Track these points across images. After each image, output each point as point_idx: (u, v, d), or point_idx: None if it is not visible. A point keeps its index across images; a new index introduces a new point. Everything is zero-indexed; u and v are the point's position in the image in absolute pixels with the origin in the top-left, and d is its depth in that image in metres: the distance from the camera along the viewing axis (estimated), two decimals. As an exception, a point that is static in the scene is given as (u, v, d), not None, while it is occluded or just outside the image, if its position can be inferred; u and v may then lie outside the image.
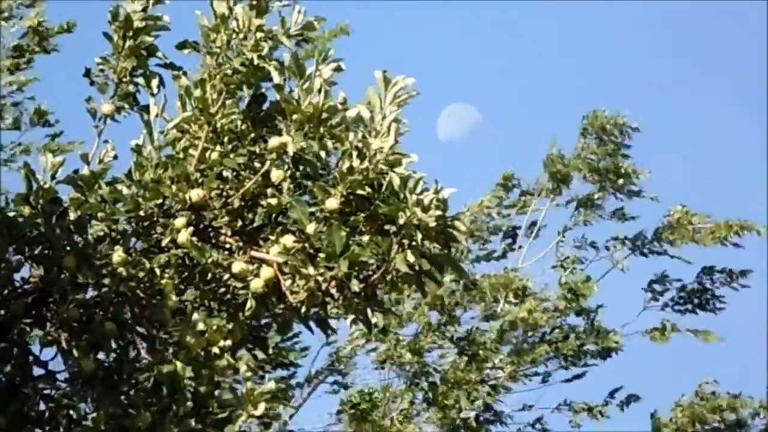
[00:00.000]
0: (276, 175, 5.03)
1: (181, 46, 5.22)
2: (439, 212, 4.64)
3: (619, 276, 15.53)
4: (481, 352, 14.53)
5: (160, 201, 5.06)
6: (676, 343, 15.08)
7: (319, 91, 4.82)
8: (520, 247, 15.82)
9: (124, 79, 5.31)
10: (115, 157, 5.29)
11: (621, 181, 15.20)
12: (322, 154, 5.01)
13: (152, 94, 5.23)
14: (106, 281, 4.97)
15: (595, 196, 15.48)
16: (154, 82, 5.29)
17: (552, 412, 15.26)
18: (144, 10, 5.31)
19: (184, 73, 5.28)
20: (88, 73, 5.40)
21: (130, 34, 5.29)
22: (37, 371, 4.99)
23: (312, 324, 5.01)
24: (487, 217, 15.76)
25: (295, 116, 4.89)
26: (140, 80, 5.32)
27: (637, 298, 15.47)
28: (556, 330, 14.83)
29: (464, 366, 14.38)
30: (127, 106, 5.34)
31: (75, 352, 4.91)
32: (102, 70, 5.34)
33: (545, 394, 15.19)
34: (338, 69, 4.95)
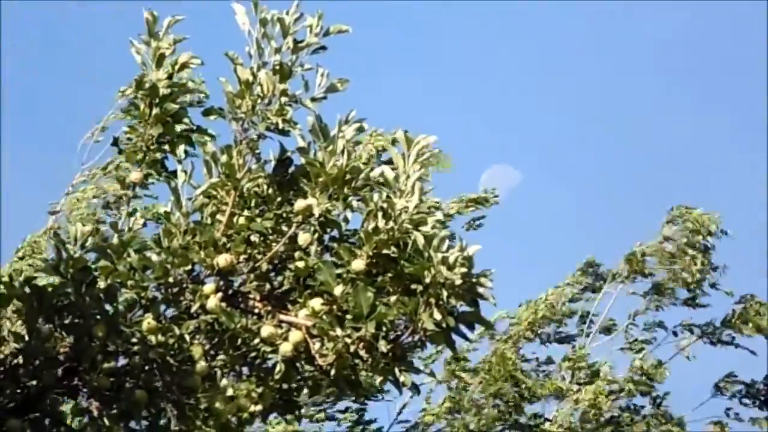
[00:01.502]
0: (303, 238, 5.03)
1: (207, 112, 5.26)
2: (464, 270, 4.61)
3: (686, 360, 15.40)
4: None
5: (189, 267, 5.07)
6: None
7: (342, 152, 4.82)
8: (589, 332, 15.67)
9: (152, 147, 5.35)
10: (144, 225, 5.32)
11: (697, 275, 15.09)
12: (348, 214, 5.00)
13: (179, 161, 5.26)
14: (136, 349, 4.98)
15: (669, 284, 15.35)
16: (181, 149, 5.32)
17: None
18: (169, 77, 5.36)
19: (212, 137, 5.31)
20: (116, 142, 5.45)
21: (156, 101, 5.33)
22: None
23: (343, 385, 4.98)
24: (564, 298, 15.66)
25: (320, 178, 4.89)
26: (167, 146, 5.36)
27: (704, 385, 15.32)
28: (624, 414, 14.67)
29: None
30: (155, 173, 5.38)
31: (106, 421, 4.90)
32: (130, 139, 5.39)
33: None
34: (360, 129, 4.95)
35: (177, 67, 5.31)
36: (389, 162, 5.13)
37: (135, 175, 5.36)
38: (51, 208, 11.64)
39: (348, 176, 4.82)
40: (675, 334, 15.39)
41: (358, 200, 4.91)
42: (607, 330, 15.58)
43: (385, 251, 4.77)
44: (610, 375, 14.69)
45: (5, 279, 5.01)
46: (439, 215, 4.80)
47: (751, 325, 15.00)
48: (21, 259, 10.36)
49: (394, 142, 4.88)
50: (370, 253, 4.78)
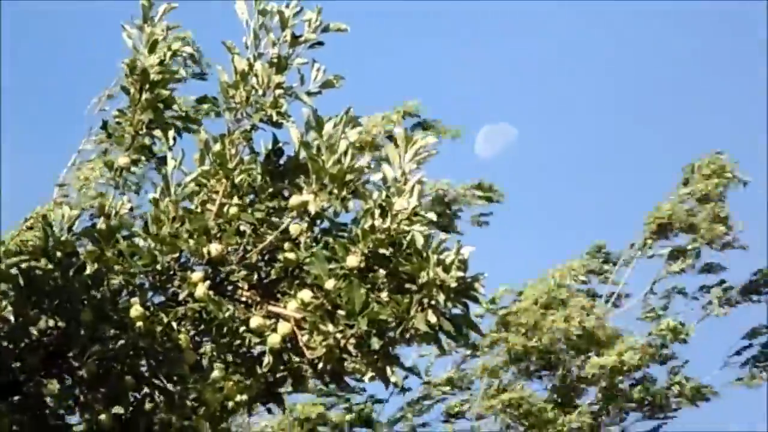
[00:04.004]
0: (294, 229, 5.05)
1: (201, 101, 5.25)
2: (460, 273, 4.68)
3: (699, 329, 15.51)
4: (572, 393, 14.52)
5: (177, 255, 5.07)
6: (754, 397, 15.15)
7: (345, 153, 4.85)
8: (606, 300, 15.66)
9: (141, 132, 5.33)
10: (132, 209, 5.31)
11: (718, 231, 15.05)
12: (338, 208, 5.04)
13: (169, 148, 5.25)
14: (124, 335, 4.98)
15: (689, 247, 15.35)
16: (170, 134, 5.31)
17: None
18: (161, 63, 5.34)
19: (200, 124, 5.30)
20: (105, 126, 5.42)
21: (147, 87, 5.31)
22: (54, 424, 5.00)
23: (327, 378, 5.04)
24: (572, 280, 15.61)
25: (320, 175, 4.91)
26: (157, 132, 5.34)
27: (717, 352, 15.50)
28: (644, 379, 14.81)
29: (552, 408, 14.33)
30: (143, 158, 5.37)
31: (93, 406, 4.91)
32: (119, 123, 5.37)
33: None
34: (357, 126, 4.99)
35: (169, 54, 5.29)
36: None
37: (122, 160, 5.34)
38: (59, 180, 11.50)
39: (348, 177, 4.85)
40: (696, 298, 15.50)
41: (354, 198, 4.95)
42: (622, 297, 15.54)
43: (380, 249, 4.82)
44: (631, 341, 14.70)
45: None
46: (432, 216, 4.86)
47: None
48: (29, 229, 10.23)
49: (390, 137, 4.93)
50: (365, 251, 4.83)
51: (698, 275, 15.68)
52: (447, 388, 14.79)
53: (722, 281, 15.57)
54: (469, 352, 15.05)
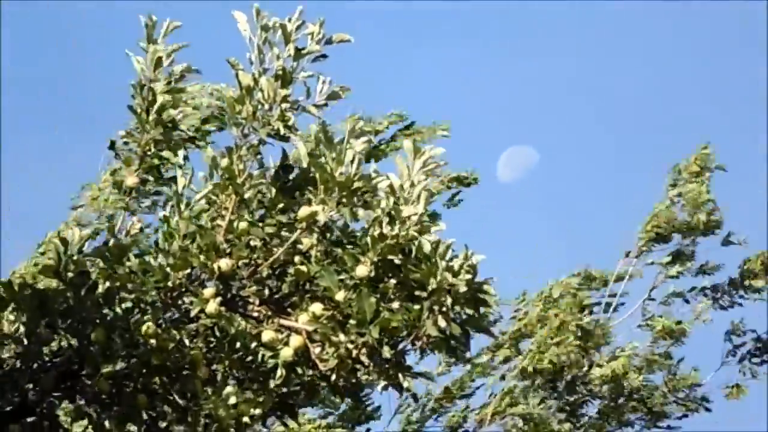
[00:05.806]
0: (305, 242, 5.06)
1: (206, 121, 5.27)
2: (469, 277, 4.68)
3: (698, 329, 15.55)
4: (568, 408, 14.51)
5: (189, 271, 5.08)
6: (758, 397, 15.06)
7: (352, 161, 4.86)
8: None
9: (149, 152, 5.35)
10: (142, 229, 5.32)
11: (708, 223, 15.09)
12: (348, 220, 5.04)
13: (179, 166, 5.26)
14: (136, 353, 4.98)
15: (688, 250, 15.39)
16: (180, 153, 5.32)
17: None
18: (168, 83, 5.36)
19: (210, 141, 5.33)
20: (113, 146, 5.44)
21: (155, 108, 5.33)
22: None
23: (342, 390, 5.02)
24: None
25: (327, 184, 4.92)
26: (165, 152, 5.36)
27: (716, 351, 15.52)
28: (644, 388, 14.79)
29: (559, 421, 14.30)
30: (152, 178, 5.38)
31: (106, 425, 4.91)
32: (126, 143, 5.39)
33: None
34: (369, 142, 5.00)
35: (176, 76, 5.31)
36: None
37: (131, 180, 5.36)
38: (73, 202, 11.40)
39: (356, 185, 4.86)
40: (687, 301, 15.51)
41: (363, 207, 4.95)
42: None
43: (390, 257, 4.82)
44: (631, 349, 14.70)
45: (4, 281, 4.99)
46: (443, 225, 4.86)
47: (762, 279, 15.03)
48: (42, 254, 10.20)
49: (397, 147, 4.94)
50: (375, 259, 4.83)
51: (696, 277, 15.69)
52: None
53: (714, 286, 15.55)
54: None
